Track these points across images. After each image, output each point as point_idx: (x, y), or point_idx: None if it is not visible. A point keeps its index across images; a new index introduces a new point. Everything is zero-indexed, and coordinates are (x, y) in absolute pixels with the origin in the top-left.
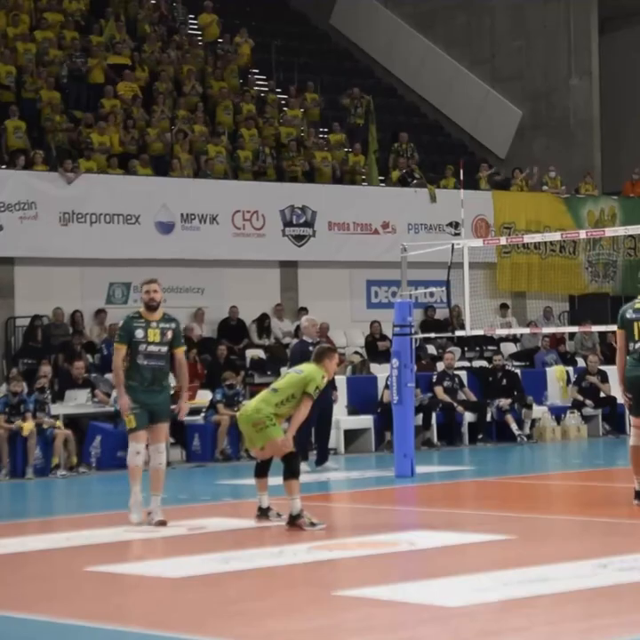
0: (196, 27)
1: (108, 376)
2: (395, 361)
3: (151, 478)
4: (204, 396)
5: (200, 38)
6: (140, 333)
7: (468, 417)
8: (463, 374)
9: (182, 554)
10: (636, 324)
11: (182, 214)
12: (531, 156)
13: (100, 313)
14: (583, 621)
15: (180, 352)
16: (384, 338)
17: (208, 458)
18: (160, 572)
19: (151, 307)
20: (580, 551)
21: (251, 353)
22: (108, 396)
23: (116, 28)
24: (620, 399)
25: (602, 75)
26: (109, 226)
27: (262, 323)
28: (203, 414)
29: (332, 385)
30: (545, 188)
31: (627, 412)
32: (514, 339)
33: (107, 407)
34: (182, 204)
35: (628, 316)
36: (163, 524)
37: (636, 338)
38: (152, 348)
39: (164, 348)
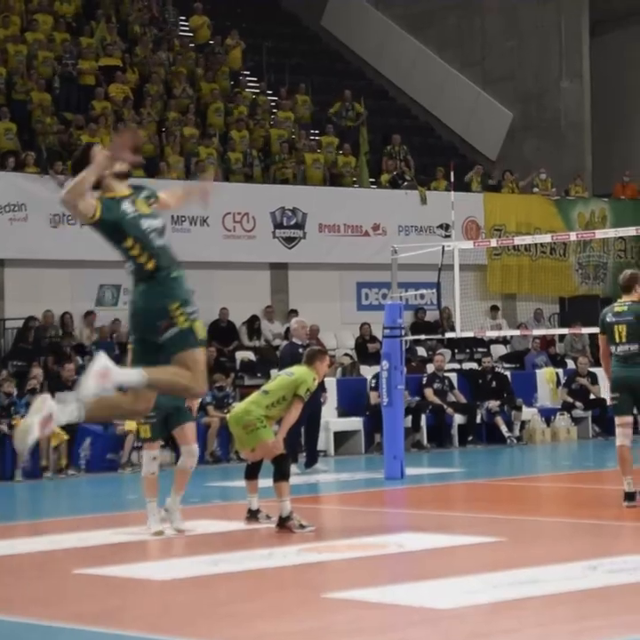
0: (187, 28)
1: None
2: (385, 363)
3: (176, 477)
4: None
5: (191, 40)
6: None
7: (458, 419)
8: (453, 376)
9: (172, 556)
10: (616, 328)
11: (172, 216)
12: (521, 158)
13: (88, 315)
14: (573, 623)
15: None
16: (374, 340)
17: (198, 460)
18: (150, 575)
19: None
20: (569, 553)
21: (241, 355)
22: None
23: (107, 29)
24: (609, 401)
25: (593, 77)
26: None
27: (252, 324)
28: None
29: (321, 387)
30: (535, 189)
31: None
32: (504, 341)
33: None
34: None
35: (608, 319)
36: (182, 531)
37: (617, 340)
38: None
39: None
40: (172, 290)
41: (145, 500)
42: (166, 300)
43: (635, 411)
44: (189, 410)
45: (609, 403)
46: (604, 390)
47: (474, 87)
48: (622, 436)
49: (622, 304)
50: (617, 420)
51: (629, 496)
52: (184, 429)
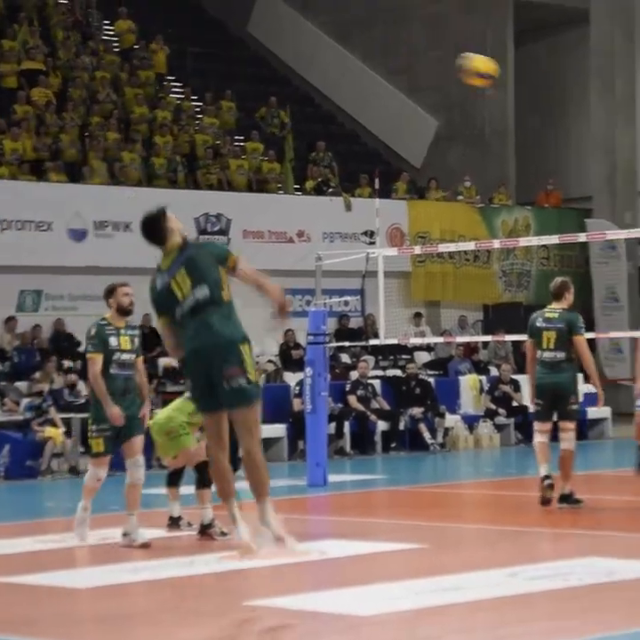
0: (111, 33)
1: (19, 384)
2: (308, 370)
3: (128, 496)
4: None
5: (116, 45)
6: (113, 341)
7: (382, 426)
8: (377, 383)
9: (91, 564)
10: (545, 334)
11: (95, 222)
12: (446, 165)
13: (10, 320)
14: (494, 630)
15: (141, 360)
16: (298, 346)
17: (119, 467)
18: (69, 583)
19: (129, 311)
20: (491, 560)
21: (163, 361)
22: (17, 404)
23: (30, 33)
24: (531, 407)
25: (517, 86)
26: (21, 232)
27: None
28: None
29: None
30: (460, 197)
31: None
32: (427, 347)
33: (16, 416)
34: (95, 211)
35: (537, 324)
36: (147, 546)
37: (544, 346)
38: (125, 357)
39: (134, 356)
40: (240, 325)
41: (78, 504)
42: (238, 334)
43: (554, 417)
44: (141, 421)
45: (531, 408)
46: (527, 397)
47: (399, 95)
48: (541, 436)
49: (553, 311)
50: (537, 425)
51: (547, 477)
52: (132, 442)
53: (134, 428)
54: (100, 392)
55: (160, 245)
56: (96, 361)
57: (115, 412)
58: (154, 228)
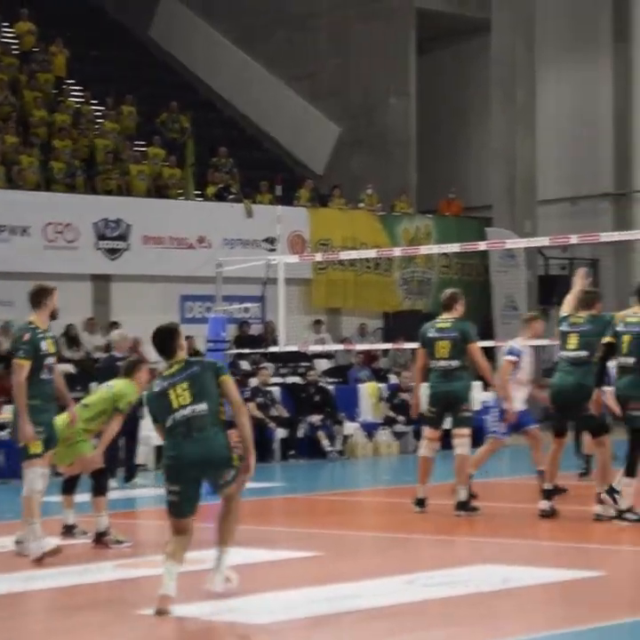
0: (10, 35)
1: None
2: None
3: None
4: (8, 411)
5: (15, 47)
6: (43, 345)
7: (280, 433)
8: (276, 390)
9: None
10: (438, 343)
11: None
12: (348, 173)
13: None
14: (391, 637)
15: (55, 361)
16: (197, 353)
17: (13, 474)
18: None
19: (56, 317)
20: (388, 567)
21: (60, 367)
22: None
23: None
24: (414, 413)
25: (420, 94)
26: None
27: (69, 334)
28: (8, 430)
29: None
30: (361, 205)
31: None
32: (328, 355)
33: None
34: None
35: (429, 334)
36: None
37: (437, 356)
38: (52, 361)
39: (55, 359)
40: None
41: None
42: (227, 443)
43: (446, 424)
44: (72, 420)
45: (425, 413)
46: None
47: (302, 101)
48: (428, 448)
49: (445, 320)
50: (427, 432)
51: (420, 502)
52: (47, 454)
53: (53, 441)
54: (22, 403)
55: (168, 358)
56: (25, 368)
57: (28, 432)
58: (166, 341)
